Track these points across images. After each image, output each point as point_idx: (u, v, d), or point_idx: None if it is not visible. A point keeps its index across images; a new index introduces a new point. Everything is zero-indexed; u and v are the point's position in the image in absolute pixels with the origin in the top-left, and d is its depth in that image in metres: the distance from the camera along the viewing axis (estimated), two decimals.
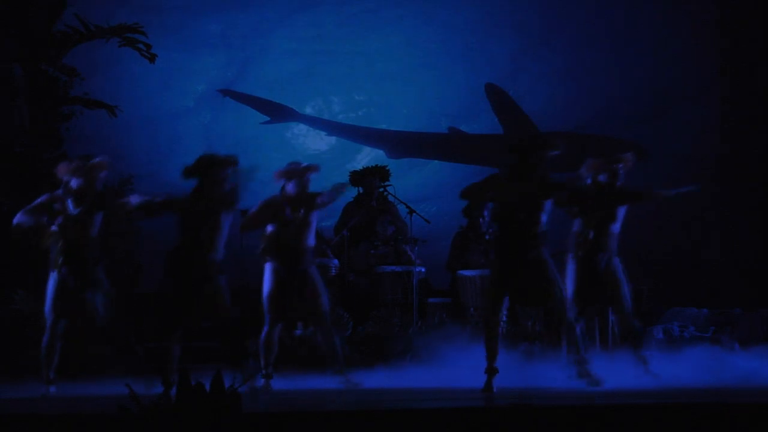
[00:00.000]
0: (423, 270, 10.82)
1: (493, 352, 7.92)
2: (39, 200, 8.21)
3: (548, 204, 8.00)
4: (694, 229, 13.54)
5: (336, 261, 10.62)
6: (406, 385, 8.39)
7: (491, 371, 7.88)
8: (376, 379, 8.68)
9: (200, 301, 8.02)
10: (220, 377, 5.51)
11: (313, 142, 13.91)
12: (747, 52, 13.82)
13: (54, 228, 8.14)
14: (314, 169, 8.45)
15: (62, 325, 8.19)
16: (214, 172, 8.05)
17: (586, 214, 8.35)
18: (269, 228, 8.42)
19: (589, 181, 8.38)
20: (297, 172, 8.39)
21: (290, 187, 8.39)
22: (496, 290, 8.02)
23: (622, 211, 8.39)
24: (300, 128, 14.05)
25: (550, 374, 8.43)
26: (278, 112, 13.94)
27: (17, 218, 8.16)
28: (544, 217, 8.00)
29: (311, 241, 8.44)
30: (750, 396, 7.25)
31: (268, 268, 8.42)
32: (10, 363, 9.77)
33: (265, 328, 8.40)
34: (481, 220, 11.13)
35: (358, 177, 11.23)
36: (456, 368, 8.70)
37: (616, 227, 8.40)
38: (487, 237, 11.08)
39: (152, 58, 11.22)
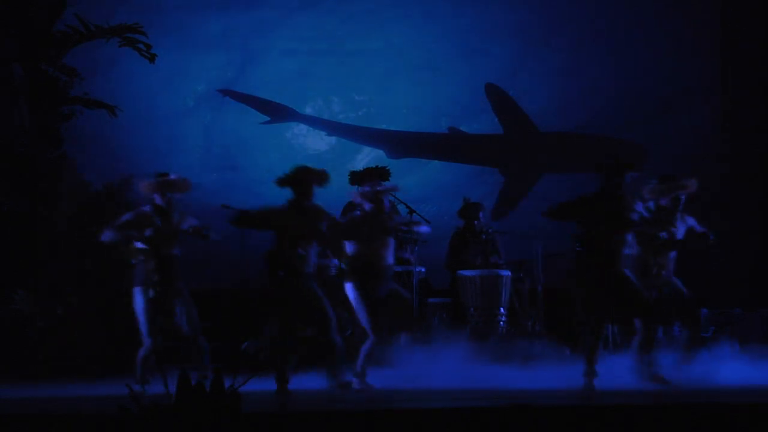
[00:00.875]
0: (423, 270, 10.81)
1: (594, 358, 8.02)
2: (126, 217, 8.33)
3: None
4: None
5: (336, 261, 10.59)
6: (406, 386, 8.39)
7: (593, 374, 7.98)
8: (375, 379, 8.67)
9: (304, 305, 8.23)
10: (220, 377, 5.51)
11: (313, 142, 13.89)
12: (748, 51, 13.81)
13: (138, 244, 8.19)
14: (394, 190, 8.81)
15: (160, 340, 8.27)
16: (306, 184, 8.29)
17: (647, 239, 8.37)
18: (349, 247, 8.55)
19: (651, 205, 8.40)
20: (374, 195, 8.64)
21: (368, 207, 8.63)
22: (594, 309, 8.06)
23: (680, 235, 8.55)
24: (300, 128, 14.02)
25: (550, 374, 8.43)
26: (278, 112, 13.91)
27: (105, 235, 8.27)
28: (629, 237, 8.11)
29: (390, 259, 8.64)
30: (750, 396, 7.25)
31: (350, 289, 8.52)
32: (10, 363, 9.78)
33: (374, 339, 8.48)
34: (476, 222, 11.18)
35: (358, 177, 11.21)
36: (455, 368, 8.70)
37: (674, 253, 8.52)
38: (483, 237, 11.11)
39: (152, 58, 11.21)
